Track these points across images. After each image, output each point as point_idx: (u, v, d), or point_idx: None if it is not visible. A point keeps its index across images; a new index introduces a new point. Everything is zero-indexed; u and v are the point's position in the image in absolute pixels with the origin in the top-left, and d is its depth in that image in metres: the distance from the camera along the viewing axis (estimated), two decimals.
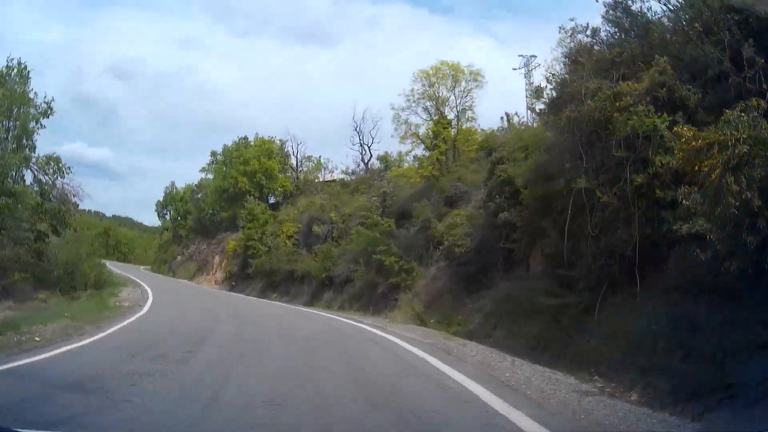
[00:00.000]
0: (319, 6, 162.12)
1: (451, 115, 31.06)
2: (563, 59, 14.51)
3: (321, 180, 48.27)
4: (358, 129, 42.16)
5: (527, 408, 6.19)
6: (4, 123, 23.53)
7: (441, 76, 30.86)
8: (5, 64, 23.82)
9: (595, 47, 14.03)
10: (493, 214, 17.01)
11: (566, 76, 14.00)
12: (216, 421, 5.76)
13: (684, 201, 8.71)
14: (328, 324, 17.91)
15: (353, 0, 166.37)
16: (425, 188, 27.99)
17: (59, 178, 24.69)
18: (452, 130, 30.40)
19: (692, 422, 6.22)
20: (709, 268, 8.46)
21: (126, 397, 6.26)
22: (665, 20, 12.70)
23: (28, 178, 24.41)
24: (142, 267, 71.68)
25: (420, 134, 31.72)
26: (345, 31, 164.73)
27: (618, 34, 13.69)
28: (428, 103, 31.38)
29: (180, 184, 71.75)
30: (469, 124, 31.36)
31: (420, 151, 32.77)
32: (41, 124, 24.17)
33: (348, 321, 19.10)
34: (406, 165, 36.46)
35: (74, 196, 25.30)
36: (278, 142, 51.79)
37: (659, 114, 10.29)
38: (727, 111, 8.07)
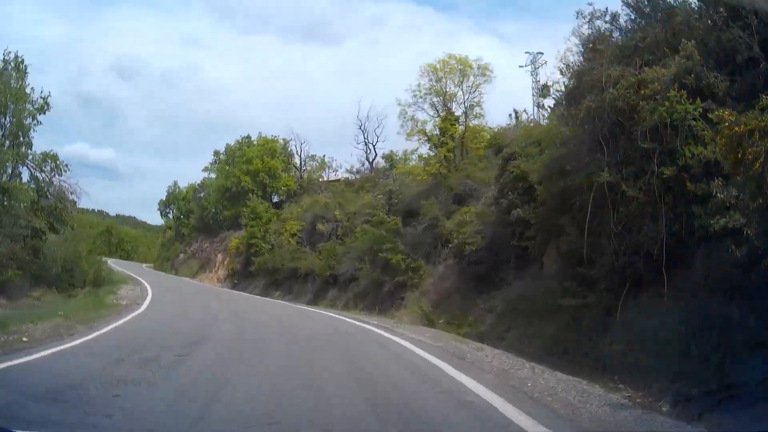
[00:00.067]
0: (322, 4, 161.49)
1: (458, 112, 30.39)
2: (579, 48, 13.98)
3: (325, 179, 47.86)
4: (362, 127, 41.50)
5: (558, 425, 5.53)
6: None
7: (449, 70, 30.07)
8: (2, 58, 23.26)
9: (614, 34, 13.51)
10: (506, 211, 16.41)
11: (584, 64, 13.42)
12: None
13: (718, 194, 8.18)
14: (332, 325, 17.23)
15: None
16: (432, 186, 27.41)
17: (56, 175, 24.21)
18: (460, 127, 29.71)
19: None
20: (741, 265, 8.01)
21: (107, 410, 5.55)
22: (689, 5, 12.10)
23: (25, 175, 23.96)
24: (144, 265, 71.53)
25: (427, 131, 30.99)
26: (348, 30, 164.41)
27: (639, 19, 13.12)
28: (435, 99, 30.61)
29: (182, 184, 71.90)
30: (477, 121, 30.68)
31: (426, 149, 32.19)
32: (38, 121, 23.62)
33: (353, 322, 18.34)
34: (412, 163, 35.82)
35: (72, 193, 24.81)
36: (281, 141, 51.59)
37: (691, 101, 9.59)
38: (763, 96, 7.44)
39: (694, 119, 9.66)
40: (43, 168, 23.86)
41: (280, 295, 35.33)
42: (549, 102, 22.02)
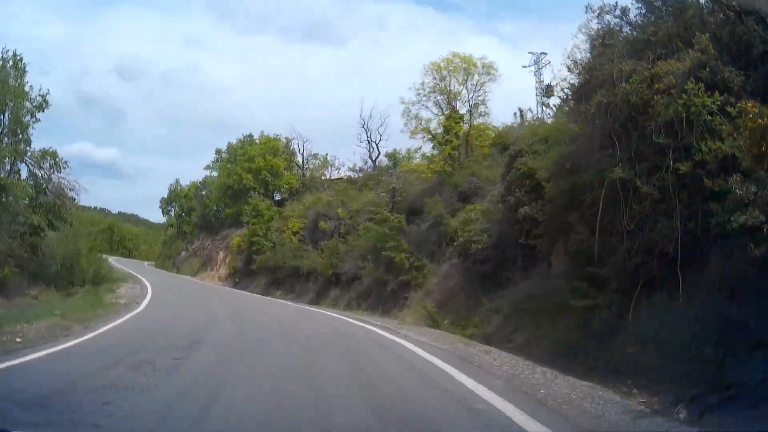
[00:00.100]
0: (322, 4, 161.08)
1: (463, 110, 30.01)
2: (587, 44, 13.70)
3: (328, 178, 47.56)
4: (365, 126, 41.19)
5: None
6: None
7: (453, 68, 29.71)
8: (0, 56, 22.96)
9: (624, 29, 13.21)
10: (513, 209, 16.03)
11: (593, 60, 13.12)
12: None
13: (737, 190, 7.90)
14: (332, 325, 16.88)
15: None
16: (437, 184, 27.00)
17: (55, 172, 23.88)
18: (464, 125, 29.37)
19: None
20: (758, 263, 7.73)
21: (95, 418, 5.21)
22: None
23: (24, 172, 23.63)
24: (146, 263, 71.42)
25: (431, 129, 30.64)
26: (348, 30, 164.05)
27: (649, 13, 12.82)
28: (439, 97, 30.23)
29: (184, 182, 71.58)
30: (481, 119, 30.34)
31: (429, 148, 31.83)
32: (36, 118, 23.32)
33: (357, 323, 17.97)
34: (415, 161, 35.44)
35: (71, 190, 24.53)
36: (284, 139, 51.40)
37: (709, 94, 9.26)
38: None
39: (711, 113, 9.32)
40: (41, 165, 23.58)
41: (282, 294, 35.00)
42: (554, 101, 21.77)
